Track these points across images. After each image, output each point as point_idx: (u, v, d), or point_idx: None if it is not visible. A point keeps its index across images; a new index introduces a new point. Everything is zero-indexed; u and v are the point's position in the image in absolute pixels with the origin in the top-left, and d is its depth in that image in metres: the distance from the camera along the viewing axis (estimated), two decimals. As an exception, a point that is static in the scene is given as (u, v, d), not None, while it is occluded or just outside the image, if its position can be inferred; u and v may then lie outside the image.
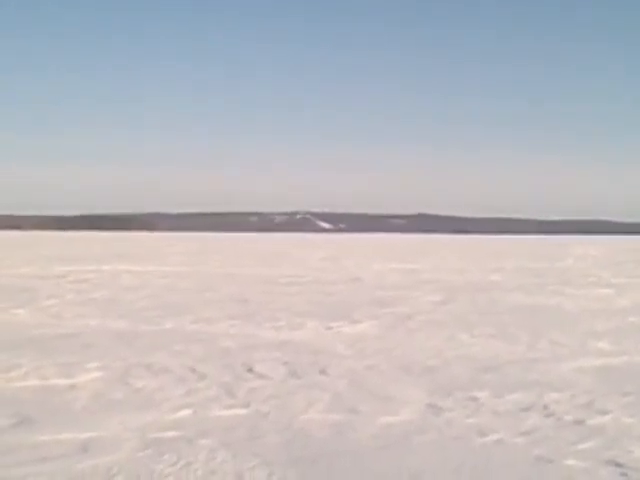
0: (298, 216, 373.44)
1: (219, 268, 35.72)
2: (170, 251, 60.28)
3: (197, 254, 55.00)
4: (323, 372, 10.19)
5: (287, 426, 7.51)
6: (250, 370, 10.22)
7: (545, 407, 8.39)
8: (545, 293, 22.76)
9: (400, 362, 10.96)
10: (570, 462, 6.50)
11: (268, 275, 30.39)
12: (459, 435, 7.30)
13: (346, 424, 7.64)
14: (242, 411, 8.07)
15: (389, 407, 8.32)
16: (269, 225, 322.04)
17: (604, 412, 8.15)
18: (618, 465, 6.43)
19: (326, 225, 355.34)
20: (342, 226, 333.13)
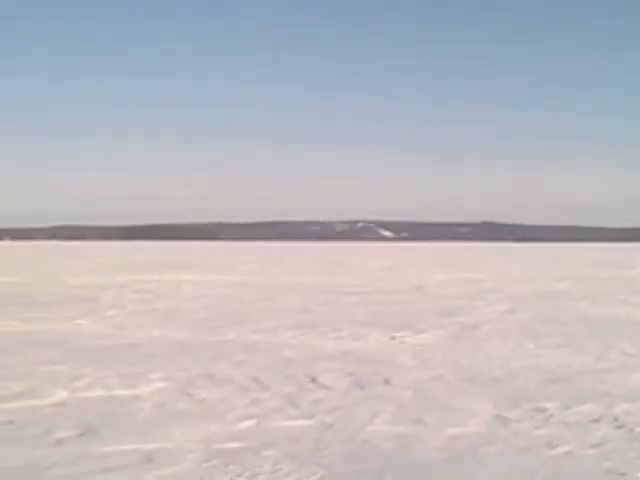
0: (359, 225, 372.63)
1: (280, 277, 35.75)
2: (232, 261, 60.58)
3: (258, 263, 55.17)
4: (387, 383, 10.06)
5: (352, 437, 7.40)
6: (313, 381, 10.13)
7: (616, 419, 8.18)
8: (614, 302, 22.35)
9: (466, 373, 10.79)
10: (644, 476, 6.30)
11: (330, 284, 30.32)
12: (527, 447, 7.13)
13: (412, 436, 7.51)
14: (306, 422, 7.97)
15: (455, 418, 8.17)
16: (330, 234, 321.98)
17: (678, 424, 7.93)
18: (695, 480, 6.22)
19: (388, 234, 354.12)
20: (404, 234, 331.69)
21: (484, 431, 7.68)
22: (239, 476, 6.17)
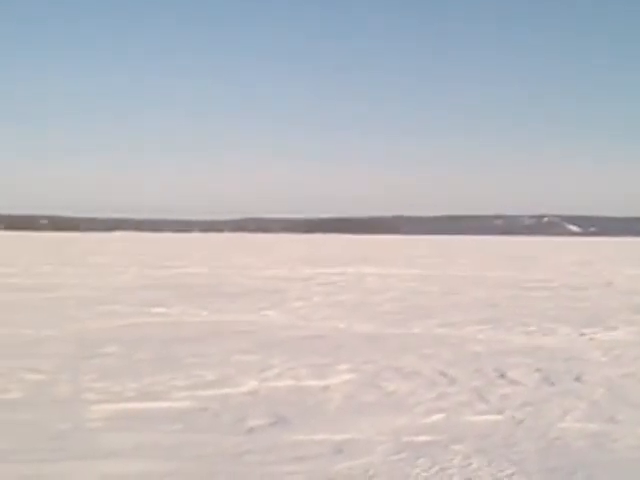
0: (545, 219, 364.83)
1: (465, 271, 35.48)
2: (414, 254, 60.55)
3: (442, 257, 54.94)
4: (578, 379, 9.82)
5: (543, 434, 7.26)
6: (502, 376, 9.99)
7: None
8: None
9: (661, 371, 10.41)
10: None
11: (515, 279, 29.87)
12: None
13: (605, 434, 7.30)
14: (495, 417, 7.87)
15: (651, 418, 7.89)
16: (514, 228, 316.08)
17: None
18: None
19: (575, 228, 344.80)
20: (592, 229, 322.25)
21: (683, 432, 7.39)
22: (429, 470, 6.15)
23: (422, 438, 7.03)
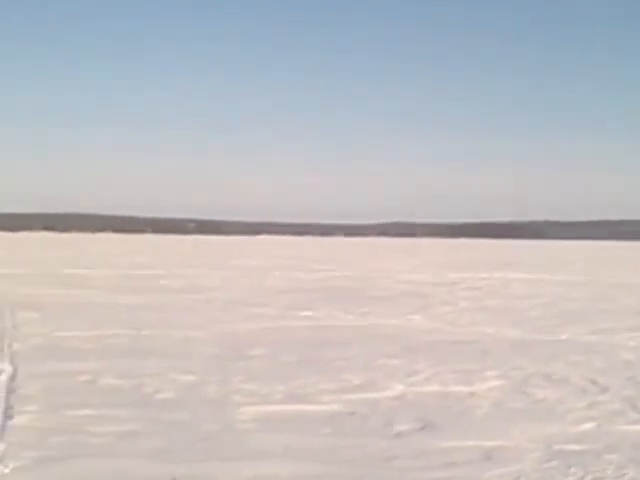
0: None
1: (615, 278, 34.57)
2: (562, 260, 59.37)
3: (591, 263, 53.72)
4: None
5: (701, 446, 7.00)
6: (656, 385, 9.70)
7: None
8: None
9: None
10: None
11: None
12: None
13: None
14: (650, 427, 7.65)
15: None
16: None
17: None
18: None
19: None
20: None
21: None
22: (581, 479, 6.02)
23: (573, 447, 6.89)
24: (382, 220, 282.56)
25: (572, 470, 6.21)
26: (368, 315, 17.46)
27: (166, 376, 9.90)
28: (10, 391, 8.86)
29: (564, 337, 14.14)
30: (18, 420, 7.58)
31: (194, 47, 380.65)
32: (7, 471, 6.03)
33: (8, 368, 10.18)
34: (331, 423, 7.69)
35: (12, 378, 9.59)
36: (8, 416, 7.70)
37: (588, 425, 7.68)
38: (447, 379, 9.98)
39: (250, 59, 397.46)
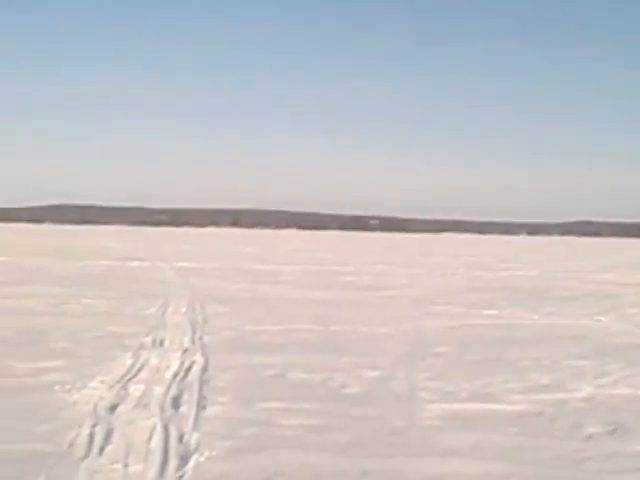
0: None
1: None
2: None
3: None
4: None
5: None
6: None
7: None
8: None
9: None
10: None
11: None
12: None
13: None
14: None
15: None
16: None
17: None
18: None
19: None
20: None
21: None
22: None
23: None
24: (567, 219, 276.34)
25: None
26: (554, 315, 17.16)
27: (353, 371, 10.03)
28: (203, 382, 9.18)
29: None
30: (211, 410, 7.87)
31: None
32: (202, 459, 6.28)
33: (200, 360, 10.53)
34: (518, 423, 7.63)
35: (204, 370, 9.93)
36: (202, 407, 8.00)
37: None
38: (638, 382, 9.71)
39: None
